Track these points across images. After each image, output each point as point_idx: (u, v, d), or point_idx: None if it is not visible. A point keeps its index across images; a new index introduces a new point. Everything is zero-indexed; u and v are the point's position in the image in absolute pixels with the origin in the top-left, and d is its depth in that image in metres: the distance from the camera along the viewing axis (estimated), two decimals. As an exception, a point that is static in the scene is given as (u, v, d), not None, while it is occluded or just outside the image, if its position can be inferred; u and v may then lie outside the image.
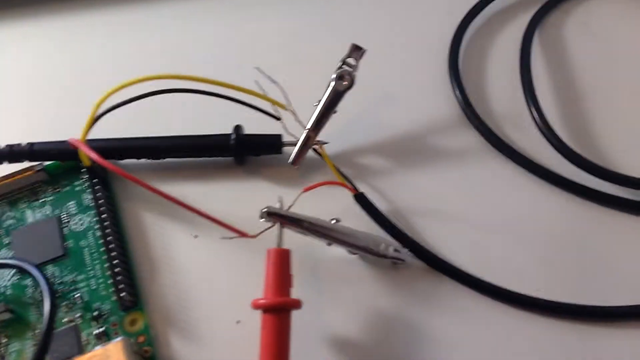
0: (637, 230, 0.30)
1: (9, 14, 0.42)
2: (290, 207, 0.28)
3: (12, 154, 0.32)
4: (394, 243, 0.29)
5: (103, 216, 0.30)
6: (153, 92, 0.28)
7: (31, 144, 0.32)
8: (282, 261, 0.27)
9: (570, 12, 0.40)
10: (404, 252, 0.29)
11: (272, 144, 0.32)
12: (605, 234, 0.30)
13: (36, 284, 0.29)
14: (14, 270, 0.30)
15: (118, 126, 0.33)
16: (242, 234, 0.27)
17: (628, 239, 0.30)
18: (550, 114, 0.34)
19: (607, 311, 0.28)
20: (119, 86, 0.25)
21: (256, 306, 0.26)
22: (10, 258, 0.30)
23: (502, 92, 0.36)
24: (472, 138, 0.34)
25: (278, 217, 0.28)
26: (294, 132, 0.31)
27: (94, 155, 0.27)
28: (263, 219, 0.28)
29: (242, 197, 0.32)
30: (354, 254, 0.30)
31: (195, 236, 0.31)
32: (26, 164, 0.32)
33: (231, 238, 0.26)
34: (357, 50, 0.31)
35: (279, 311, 0.26)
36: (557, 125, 0.34)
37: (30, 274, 0.27)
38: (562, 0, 0.40)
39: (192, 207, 0.27)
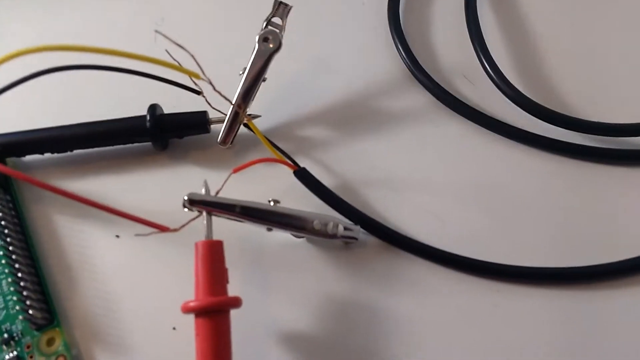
0: (608, 180, 0.28)
1: None
2: (218, 191, 0.25)
3: None
4: (343, 220, 0.26)
5: (3, 223, 0.26)
6: (44, 70, 0.23)
7: None
8: (212, 254, 0.23)
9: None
10: (356, 230, 0.26)
11: (196, 123, 0.28)
12: (575, 188, 0.28)
13: None
14: None
15: (13, 116, 0.29)
16: (162, 229, 0.23)
17: (600, 191, 0.28)
18: (503, 64, 0.31)
19: (582, 272, 0.26)
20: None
21: (186, 310, 0.22)
22: None
23: (449, 45, 0.33)
24: (420, 97, 0.31)
25: (203, 204, 0.24)
26: (221, 107, 0.28)
27: (-21, 155, 0.23)
28: (187, 209, 0.24)
29: (169, 186, 0.29)
30: (300, 237, 0.26)
31: (117, 236, 0.27)
32: None
33: (148, 235, 0.22)
34: (281, 7, 0.28)
35: (213, 313, 0.22)
36: (511, 76, 0.30)
37: None
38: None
39: (103, 205, 0.23)
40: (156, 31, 0.24)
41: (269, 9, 0.28)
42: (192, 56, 0.24)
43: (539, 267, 0.26)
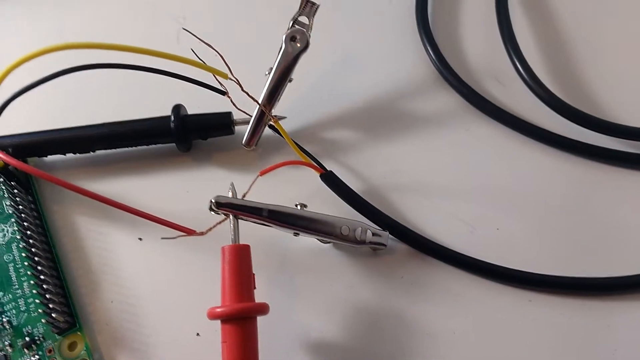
0: (644, 187, 0.27)
1: None
2: (245, 194, 0.24)
3: None
4: (371, 226, 0.25)
5: (26, 224, 0.25)
6: (67, 69, 0.23)
7: None
8: (239, 259, 0.22)
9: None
10: (384, 236, 0.25)
11: (221, 124, 0.28)
12: (610, 195, 0.27)
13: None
14: None
15: (36, 116, 0.28)
16: (188, 232, 0.22)
17: (636, 198, 0.27)
18: (535, 66, 0.30)
19: (617, 282, 0.25)
20: (17, 62, 0.20)
21: (213, 316, 0.22)
22: None
23: (479, 45, 0.32)
24: (450, 99, 0.30)
25: (230, 207, 0.23)
26: (246, 108, 0.27)
27: (3, 156, 0.22)
28: (214, 212, 0.23)
29: (192, 188, 0.28)
30: (327, 242, 0.26)
31: (140, 239, 0.27)
32: None
33: (175, 238, 0.22)
34: (309, 6, 0.27)
35: (240, 320, 0.21)
36: (543, 77, 0.29)
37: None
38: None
39: (127, 206, 0.22)
40: (183, 28, 0.23)
41: (293, 7, 0.27)
42: (220, 55, 0.23)
43: (573, 276, 0.25)
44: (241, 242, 0.23)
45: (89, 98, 0.31)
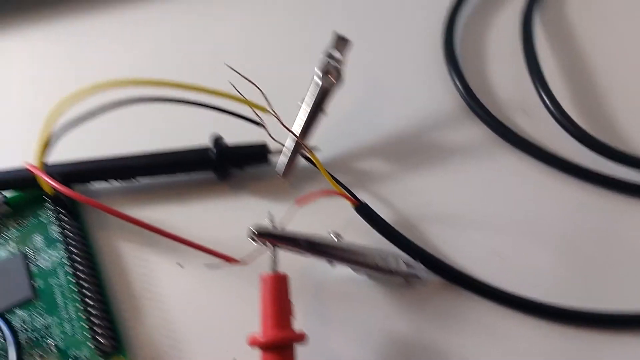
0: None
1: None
2: (283, 224, 0.25)
3: (-35, 187, 0.28)
4: (405, 257, 0.26)
5: (73, 250, 0.27)
6: (116, 103, 0.24)
7: (-14, 174, 0.28)
8: (279, 288, 0.23)
9: (569, -14, 0.36)
10: (418, 267, 0.26)
11: (257, 154, 0.29)
12: (638, 227, 0.27)
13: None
14: (-26, 321, 0.26)
15: (83, 145, 0.29)
16: (230, 260, 0.23)
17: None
18: (561, 97, 0.31)
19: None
20: (72, 97, 0.22)
21: (254, 343, 0.23)
22: (-32, 308, 0.26)
23: (506, 77, 0.33)
24: (477, 130, 0.31)
25: (270, 237, 0.24)
26: (280, 138, 0.28)
27: (54, 183, 0.24)
28: (253, 241, 0.24)
29: (229, 216, 0.29)
30: (361, 272, 0.26)
31: (180, 265, 0.28)
32: (-16, 197, 0.29)
33: (218, 266, 0.23)
34: (341, 41, 0.28)
35: (280, 348, 0.22)
36: (570, 109, 0.30)
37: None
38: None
39: (170, 233, 0.23)
40: (226, 64, 0.24)
41: (321, 40, 0.28)
42: (261, 91, 0.24)
43: (608, 313, 0.25)
44: (279, 271, 0.24)
45: (133, 128, 0.32)
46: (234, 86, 0.26)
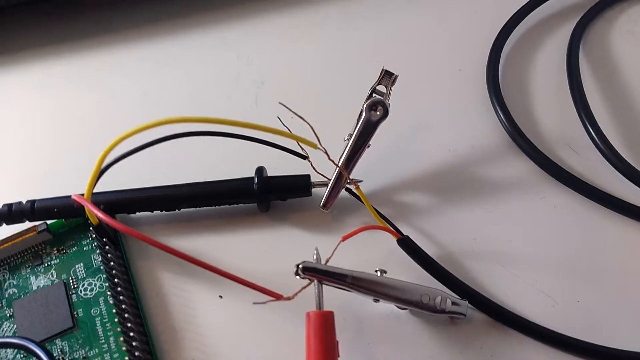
0: None
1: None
2: (328, 259, 0.25)
3: (11, 214, 0.29)
4: (450, 295, 0.25)
5: (115, 280, 0.26)
6: (164, 137, 0.24)
7: (32, 202, 0.29)
8: (325, 326, 0.23)
9: (613, 21, 0.36)
10: (463, 305, 0.25)
11: (300, 186, 0.29)
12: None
13: (43, 364, 0.26)
14: (16, 350, 0.26)
15: (127, 175, 0.29)
16: (277, 297, 0.23)
17: None
18: (609, 133, 0.30)
19: None
20: (126, 134, 0.22)
21: (299, 383, 0.22)
22: (10, 336, 0.26)
23: (551, 112, 0.32)
24: (523, 165, 0.30)
25: (316, 272, 0.24)
26: (323, 170, 0.28)
27: (101, 215, 0.24)
28: (299, 277, 0.24)
29: (270, 248, 0.29)
30: (404, 308, 0.26)
31: (221, 297, 0.27)
32: (27, 224, 0.29)
33: (264, 303, 0.22)
34: (388, 76, 0.28)
35: (326, 388, 0.22)
36: (617, 145, 0.30)
37: (34, 354, 0.24)
38: (603, 9, 0.36)
39: (214, 266, 0.23)
40: (280, 103, 0.24)
41: (365, 74, 0.28)
42: (311, 127, 0.24)
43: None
44: (324, 308, 0.24)
45: (177, 160, 0.32)
46: (281, 121, 0.26)
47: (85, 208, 0.25)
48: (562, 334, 0.25)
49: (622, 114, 0.32)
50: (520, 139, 0.30)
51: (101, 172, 0.24)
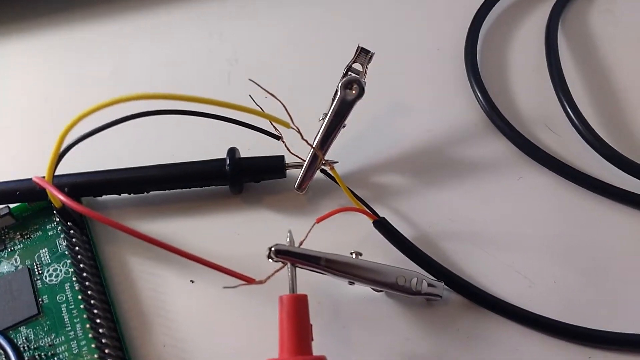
0: None
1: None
2: (302, 242, 0.24)
3: (-30, 197, 0.27)
4: (426, 276, 0.25)
5: (81, 265, 0.25)
6: (130, 115, 0.23)
7: (-8, 185, 0.27)
8: (298, 309, 0.22)
9: (591, 0, 0.36)
10: (439, 287, 0.25)
11: (274, 168, 0.28)
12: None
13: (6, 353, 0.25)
14: (-24, 339, 0.25)
15: (94, 157, 0.28)
16: (248, 281, 0.22)
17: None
18: (587, 113, 0.30)
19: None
20: (87, 111, 0.21)
21: (272, 368, 0.21)
22: (-30, 324, 0.25)
23: (530, 91, 0.32)
24: (500, 145, 0.30)
25: (289, 256, 0.23)
26: (298, 151, 0.27)
27: (64, 198, 0.23)
28: (272, 260, 0.23)
29: (243, 231, 0.28)
30: (379, 291, 0.25)
31: (192, 281, 0.27)
32: (-12, 208, 0.27)
33: (236, 287, 0.22)
34: (364, 54, 0.27)
35: (299, 373, 0.21)
36: (595, 125, 0.29)
37: (-5, 342, 0.23)
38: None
39: (184, 251, 0.22)
40: (250, 80, 0.23)
41: (340, 52, 0.27)
42: (284, 105, 0.24)
43: (633, 333, 0.24)
44: (298, 292, 0.23)
45: (145, 141, 0.31)
46: (253, 99, 0.25)
47: (47, 191, 0.24)
48: (539, 315, 0.24)
49: (600, 94, 0.31)
50: (498, 119, 0.30)
51: (62, 153, 0.23)
